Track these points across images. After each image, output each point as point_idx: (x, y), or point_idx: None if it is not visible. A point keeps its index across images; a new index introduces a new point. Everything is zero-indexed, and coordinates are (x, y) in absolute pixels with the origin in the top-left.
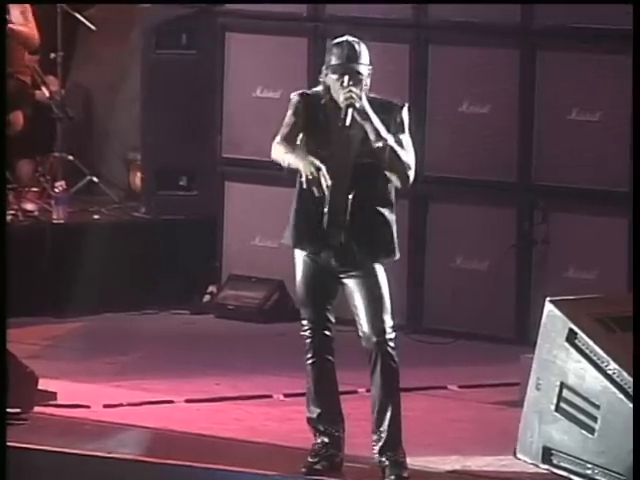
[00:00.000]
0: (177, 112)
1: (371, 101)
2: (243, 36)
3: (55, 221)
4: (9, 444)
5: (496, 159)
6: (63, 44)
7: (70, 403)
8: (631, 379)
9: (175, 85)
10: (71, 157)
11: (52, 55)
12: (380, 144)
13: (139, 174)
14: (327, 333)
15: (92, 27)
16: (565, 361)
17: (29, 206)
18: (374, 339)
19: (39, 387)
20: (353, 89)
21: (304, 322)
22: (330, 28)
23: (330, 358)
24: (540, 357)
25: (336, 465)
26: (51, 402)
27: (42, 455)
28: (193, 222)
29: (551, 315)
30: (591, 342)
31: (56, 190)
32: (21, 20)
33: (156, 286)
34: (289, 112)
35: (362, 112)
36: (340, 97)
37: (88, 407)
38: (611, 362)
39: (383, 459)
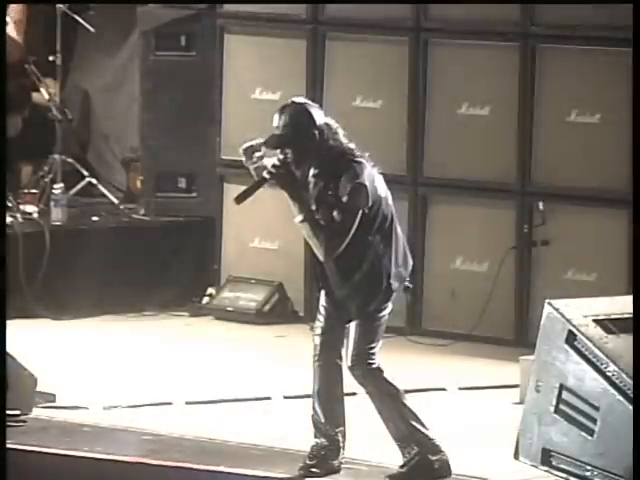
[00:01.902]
0: (176, 114)
1: (339, 158)
2: (242, 38)
3: (54, 223)
4: (8, 446)
5: (495, 161)
6: (62, 46)
7: (69, 405)
8: (630, 381)
9: (174, 87)
10: (70, 159)
11: (51, 57)
12: (299, 218)
13: (138, 176)
14: (337, 334)
15: (91, 29)
16: (564, 363)
17: (28, 208)
18: (349, 364)
19: (37, 389)
20: (272, 161)
21: (317, 321)
22: (328, 30)
23: (338, 361)
24: (539, 359)
25: (334, 468)
26: (50, 404)
27: (41, 457)
28: (192, 224)
29: (550, 317)
30: (590, 344)
31: (55, 192)
32: (12, 30)
33: (155, 288)
34: None
35: (284, 185)
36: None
37: (87, 409)
38: (610, 364)
39: (405, 459)
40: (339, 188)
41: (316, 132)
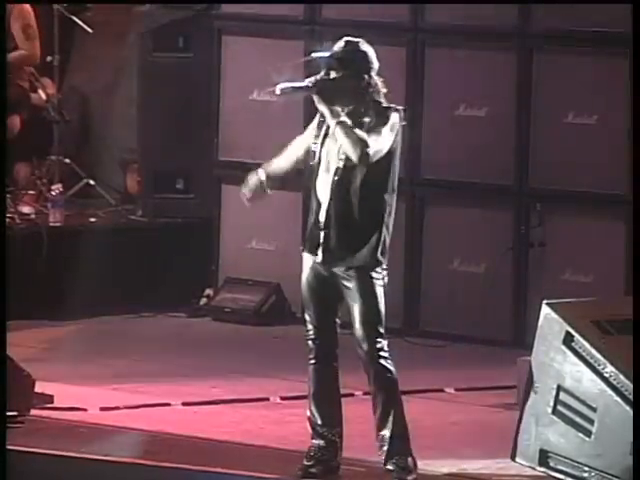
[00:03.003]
0: (174, 115)
1: (373, 102)
2: (239, 39)
3: (52, 224)
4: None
5: (493, 162)
6: (60, 47)
7: (67, 406)
8: (627, 382)
9: (172, 88)
10: (68, 160)
11: (49, 58)
12: (335, 120)
13: (136, 177)
14: (330, 337)
15: (89, 30)
16: (562, 364)
17: (26, 209)
18: (365, 348)
19: (36, 390)
20: (315, 77)
21: (307, 324)
22: (326, 31)
23: (334, 364)
24: (537, 360)
25: (332, 469)
26: (48, 405)
27: (38, 458)
28: (190, 225)
29: (548, 318)
30: (588, 345)
31: (53, 193)
32: (22, 37)
33: (153, 289)
34: None
35: (320, 94)
36: None
37: (85, 410)
38: (608, 365)
39: (389, 467)
40: (371, 117)
41: (369, 75)
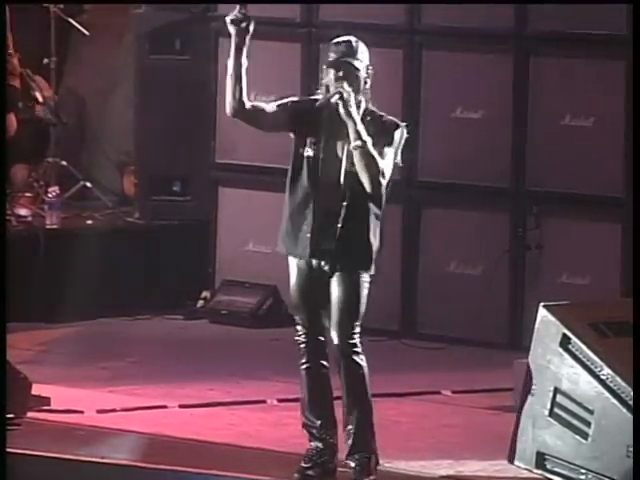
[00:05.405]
0: (171, 117)
1: (371, 114)
2: None
3: (48, 226)
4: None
5: (489, 164)
6: (56, 49)
7: (63, 408)
8: (625, 384)
9: (169, 90)
10: (64, 162)
11: (45, 60)
12: (358, 143)
13: (132, 179)
14: (321, 338)
15: (85, 32)
16: (559, 366)
17: (22, 211)
18: (336, 341)
19: (32, 392)
20: (345, 83)
21: (298, 327)
22: (323, 33)
23: (325, 364)
24: (534, 362)
25: (329, 471)
26: (44, 407)
27: (35, 460)
28: (187, 227)
29: (545, 320)
30: (585, 347)
31: (49, 195)
32: None
33: (150, 291)
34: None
35: (347, 107)
36: (331, 90)
37: (82, 412)
38: (605, 367)
39: (349, 462)
40: (382, 136)
41: (366, 76)
